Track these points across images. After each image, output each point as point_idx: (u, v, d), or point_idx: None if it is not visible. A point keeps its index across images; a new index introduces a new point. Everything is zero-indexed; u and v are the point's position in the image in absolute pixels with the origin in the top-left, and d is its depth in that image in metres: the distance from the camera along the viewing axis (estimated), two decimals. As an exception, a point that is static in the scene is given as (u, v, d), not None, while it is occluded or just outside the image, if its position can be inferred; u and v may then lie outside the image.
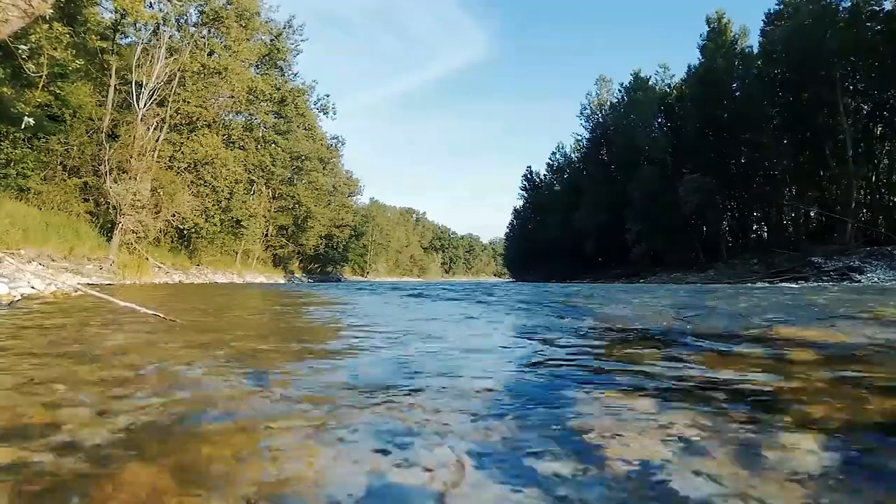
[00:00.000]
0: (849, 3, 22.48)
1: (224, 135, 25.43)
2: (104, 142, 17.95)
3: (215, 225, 23.55)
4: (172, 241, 21.97)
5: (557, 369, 1.72)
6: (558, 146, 56.57)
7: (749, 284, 15.75)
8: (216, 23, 23.79)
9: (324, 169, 38.67)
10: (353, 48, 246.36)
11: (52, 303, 4.91)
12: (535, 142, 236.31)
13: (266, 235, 32.49)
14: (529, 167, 60.11)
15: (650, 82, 36.42)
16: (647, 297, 7.19)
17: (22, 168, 15.34)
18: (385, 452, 0.91)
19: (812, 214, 26.89)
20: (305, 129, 36.72)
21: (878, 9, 21.50)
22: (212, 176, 22.68)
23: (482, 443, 0.96)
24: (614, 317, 3.96)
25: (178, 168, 21.56)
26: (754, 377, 1.54)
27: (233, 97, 24.16)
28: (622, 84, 38.88)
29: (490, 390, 1.39)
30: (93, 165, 18.08)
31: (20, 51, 10.69)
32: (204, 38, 23.70)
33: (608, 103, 42.83)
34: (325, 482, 0.79)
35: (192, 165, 22.24)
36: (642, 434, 1.00)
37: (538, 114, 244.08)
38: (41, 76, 11.89)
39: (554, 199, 48.24)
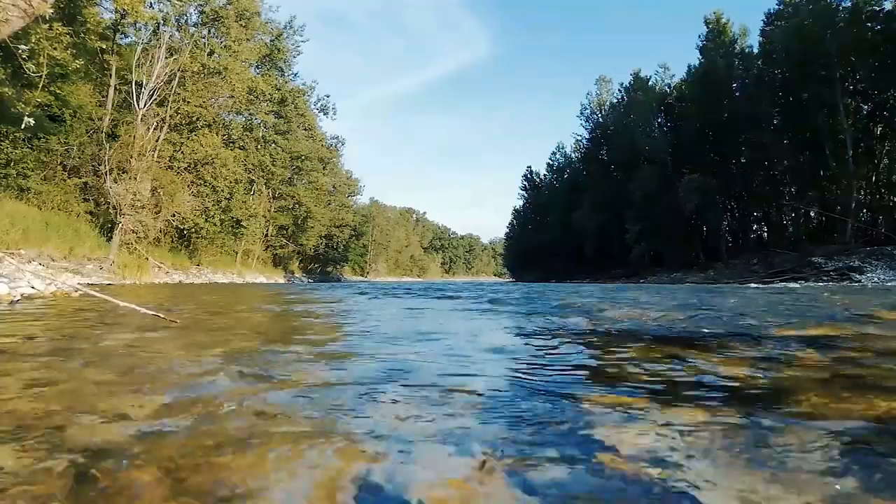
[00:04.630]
0: (849, 3, 22.49)
1: (224, 135, 25.42)
2: (104, 142, 17.94)
3: (215, 225, 23.54)
4: (172, 241, 21.96)
5: (557, 368, 1.72)
6: (558, 146, 56.60)
7: (749, 284, 15.75)
8: (216, 23, 23.79)
9: (324, 169, 38.66)
10: (355, 48, 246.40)
11: (52, 303, 4.90)
12: (535, 142, 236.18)
13: (266, 235, 32.48)
14: (529, 167, 60.16)
15: (650, 82, 36.42)
16: (646, 296, 7.19)
17: (22, 168, 15.33)
18: (386, 452, 0.91)
19: (812, 214, 26.89)
20: (305, 129, 36.72)
21: (878, 9, 21.50)
22: (212, 176, 22.67)
23: (483, 441, 0.96)
24: (614, 316, 3.96)
25: (178, 168, 21.55)
26: (754, 377, 1.54)
27: (233, 97, 24.15)
28: (622, 84, 38.94)
29: (490, 388, 1.39)
30: (93, 165, 18.07)
31: (20, 51, 10.69)
32: (204, 38, 23.70)
33: (608, 103, 42.85)
34: (326, 483, 0.79)
35: (192, 165, 22.23)
36: (642, 432, 1.00)
37: (538, 114, 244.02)
38: (41, 76, 11.89)
39: (554, 199, 48.22)
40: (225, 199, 23.91)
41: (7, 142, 14.73)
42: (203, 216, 22.37)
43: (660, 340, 2.51)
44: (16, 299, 4.99)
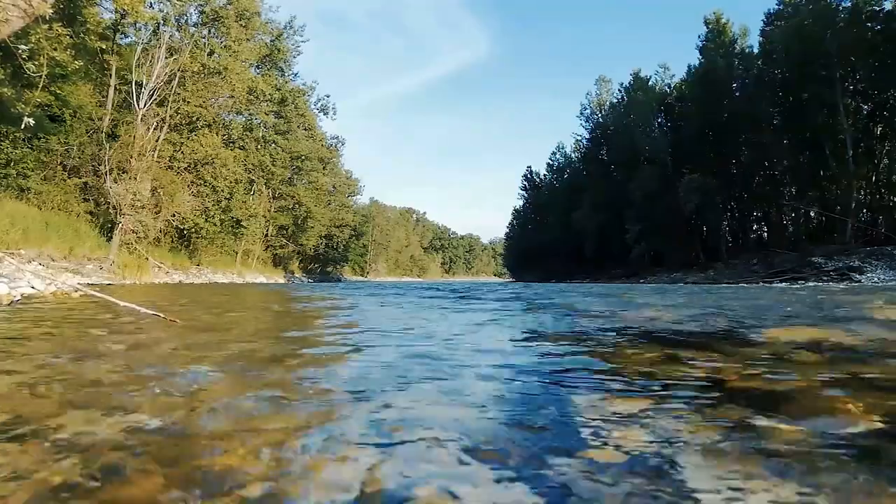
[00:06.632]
0: (849, 3, 22.50)
1: (224, 135, 25.43)
2: (104, 142, 17.95)
3: (215, 225, 23.55)
4: (172, 241, 21.97)
5: (558, 368, 1.72)
6: (558, 146, 56.56)
7: (749, 284, 15.75)
8: (216, 23, 23.81)
9: (324, 169, 38.70)
10: (355, 48, 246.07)
11: (52, 303, 4.90)
12: (535, 142, 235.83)
13: (266, 235, 32.49)
14: (529, 167, 60.14)
15: (650, 82, 36.43)
16: (646, 297, 7.19)
17: (22, 168, 15.35)
18: (385, 453, 0.90)
19: (812, 214, 26.90)
20: (305, 129, 36.75)
21: (878, 9, 21.51)
22: (212, 176, 22.68)
23: (484, 440, 0.96)
24: (615, 316, 3.96)
25: (178, 168, 21.56)
26: (753, 376, 1.54)
27: (233, 97, 24.17)
28: (622, 84, 38.94)
29: (491, 388, 1.39)
30: (93, 165, 18.08)
31: (20, 51, 10.69)
32: (204, 38, 23.71)
33: (608, 103, 42.87)
34: (325, 484, 0.79)
35: (192, 165, 22.24)
36: (641, 432, 1.00)
37: (538, 114, 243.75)
38: (41, 76, 11.89)
39: (554, 199, 48.22)
40: (225, 199, 23.93)
41: (7, 142, 14.74)
42: (203, 216, 22.39)
43: (659, 340, 2.51)
44: (16, 299, 4.99)
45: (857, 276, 15.63)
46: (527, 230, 57.43)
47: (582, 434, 1.01)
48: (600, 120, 42.93)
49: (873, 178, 24.41)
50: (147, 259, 17.49)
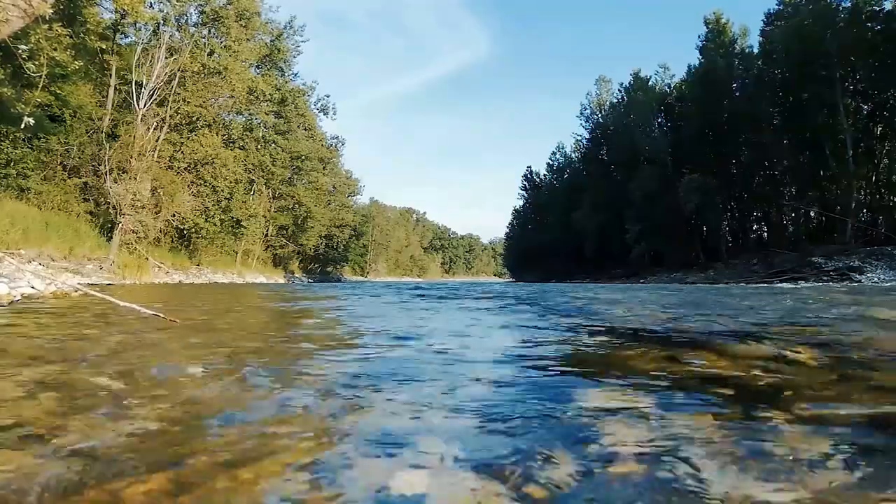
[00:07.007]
0: (849, 3, 22.50)
1: (224, 135, 25.42)
2: (104, 142, 17.94)
3: (215, 225, 23.54)
4: (172, 241, 21.96)
5: (558, 367, 1.72)
6: (558, 146, 56.52)
7: (749, 284, 15.75)
8: (216, 23, 23.79)
9: (324, 169, 38.68)
10: (355, 48, 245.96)
11: (52, 303, 4.90)
12: (535, 142, 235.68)
13: (266, 235, 32.48)
14: (529, 167, 60.15)
15: (650, 82, 36.43)
16: (646, 296, 7.19)
17: (22, 168, 15.33)
18: (385, 453, 0.91)
19: (812, 214, 26.89)
20: (305, 129, 36.74)
21: (878, 9, 21.51)
22: (212, 176, 22.67)
23: (484, 440, 0.96)
24: (614, 316, 3.96)
25: (178, 168, 21.55)
26: (753, 376, 1.54)
27: (233, 97, 24.15)
28: (622, 84, 38.94)
29: (492, 388, 1.39)
30: (93, 165, 18.07)
31: (20, 51, 10.69)
32: (204, 38, 23.69)
33: (608, 103, 42.87)
34: (325, 485, 0.79)
35: (192, 165, 22.23)
36: (641, 432, 1.00)
37: (538, 114, 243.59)
38: (41, 76, 11.89)
39: (554, 199, 48.22)
40: (225, 199, 23.92)
41: (7, 142, 14.73)
42: (203, 216, 22.38)
43: (659, 340, 2.51)
44: (16, 299, 4.99)
45: (857, 276, 15.62)
46: (527, 230, 57.44)
47: (580, 430, 1.01)
48: (600, 120, 42.93)
49: (873, 178, 24.40)
50: (147, 259, 17.48)
